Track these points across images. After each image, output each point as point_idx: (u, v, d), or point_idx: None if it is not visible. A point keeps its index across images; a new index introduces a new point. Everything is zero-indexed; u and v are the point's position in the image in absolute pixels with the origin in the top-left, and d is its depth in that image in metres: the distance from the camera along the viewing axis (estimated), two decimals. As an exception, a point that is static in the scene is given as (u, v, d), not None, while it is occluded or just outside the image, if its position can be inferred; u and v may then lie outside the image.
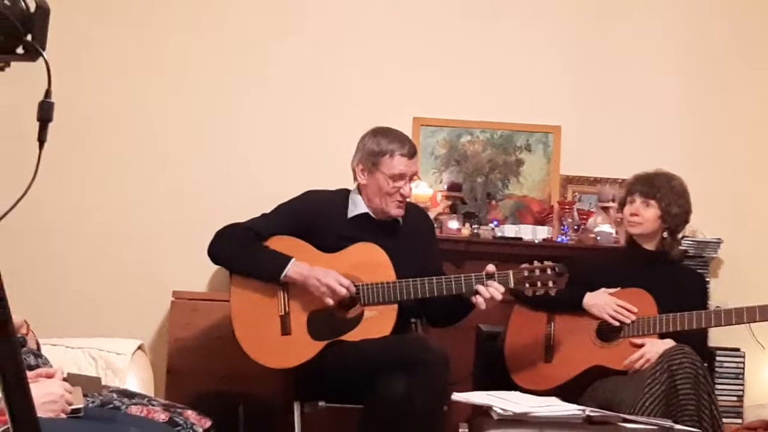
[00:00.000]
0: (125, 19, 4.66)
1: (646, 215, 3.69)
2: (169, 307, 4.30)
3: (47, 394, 2.30)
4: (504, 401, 3.10)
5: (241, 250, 3.48)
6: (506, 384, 3.59)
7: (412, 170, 3.55)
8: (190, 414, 2.70)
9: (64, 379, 2.60)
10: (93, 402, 2.61)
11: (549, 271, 3.40)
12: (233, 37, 4.72)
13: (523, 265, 3.44)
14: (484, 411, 3.13)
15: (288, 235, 3.52)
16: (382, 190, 3.53)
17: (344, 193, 3.66)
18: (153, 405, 2.70)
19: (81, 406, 2.38)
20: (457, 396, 3.20)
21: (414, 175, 3.58)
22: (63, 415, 2.32)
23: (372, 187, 3.56)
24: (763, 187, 4.82)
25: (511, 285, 3.41)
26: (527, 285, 3.41)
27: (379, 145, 3.54)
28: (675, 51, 4.86)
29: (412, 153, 3.55)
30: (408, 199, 3.63)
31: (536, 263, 3.42)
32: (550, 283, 3.39)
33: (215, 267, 3.98)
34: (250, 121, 4.70)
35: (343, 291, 3.38)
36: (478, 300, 3.39)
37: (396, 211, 3.56)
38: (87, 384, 2.67)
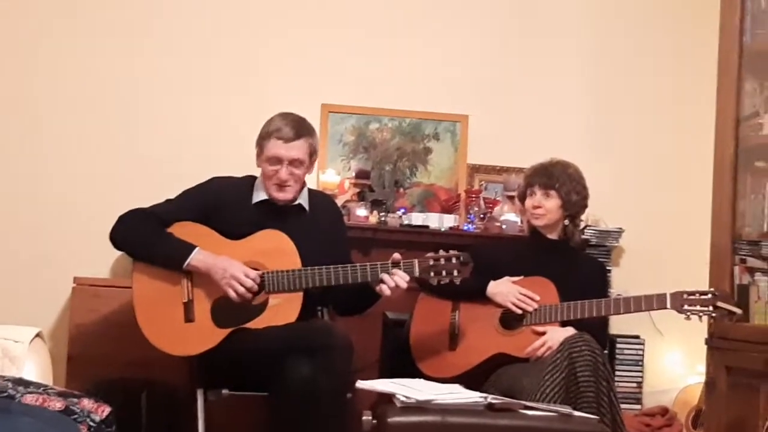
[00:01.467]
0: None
1: (548, 206, 3.75)
2: (70, 293, 4.21)
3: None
4: (407, 389, 3.11)
5: (144, 236, 3.43)
6: (412, 371, 3.61)
7: (289, 155, 3.47)
8: (87, 402, 2.66)
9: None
10: (-14, 391, 2.55)
11: (454, 260, 3.41)
12: (139, 17, 4.64)
13: (429, 254, 3.45)
14: (388, 398, 3.13)
15: (192, 221, 3.48)
16: (264, 174, 3.52)
17: (250, 180, 3.63)
18: (49, 393, 2.65)
19: (-27, 395, 2.32)
20: (361, 384, 3.19)
21: (294, 161, 3.49)
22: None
23: (262, 170, 3.54)
24: (664, 178, 4.94)
25: (416, 273, 3.42)
26: (432, 274, 3.42)
27: (266, 128, 3.53)
28: (579, 42, 4.95)
29: (290, 137, 3.48)
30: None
31: (441, 252, 3.44)
32: (455, 272, 3.41)
33: (118, 252, 3.89)
34: (156, 105, 4.63)
35: (249, 282, 3.36)
36: (383, 288, 3.39)
37: (277, 195, 3.52)
38: (-21, 373, 2.60)
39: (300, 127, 3.53)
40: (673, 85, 4.95)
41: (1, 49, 4.54)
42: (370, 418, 3.04)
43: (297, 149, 3.50)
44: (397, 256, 3.44)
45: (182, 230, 3.45)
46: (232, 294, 3.35)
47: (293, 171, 3.50)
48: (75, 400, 2.64)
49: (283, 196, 3.52)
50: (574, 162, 3.84)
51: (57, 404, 2.59)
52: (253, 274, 3.37)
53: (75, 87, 4.58)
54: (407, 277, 3.40)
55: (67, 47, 4.59)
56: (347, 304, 3.64)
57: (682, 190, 4.87)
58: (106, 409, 2.68)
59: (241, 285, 3.35)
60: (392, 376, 3.41)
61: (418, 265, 3.42)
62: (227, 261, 3.37)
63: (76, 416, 2.57)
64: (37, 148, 4.54)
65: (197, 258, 3.37)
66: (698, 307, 3.47)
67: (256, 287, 3.37)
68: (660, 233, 4.87)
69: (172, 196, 3.57)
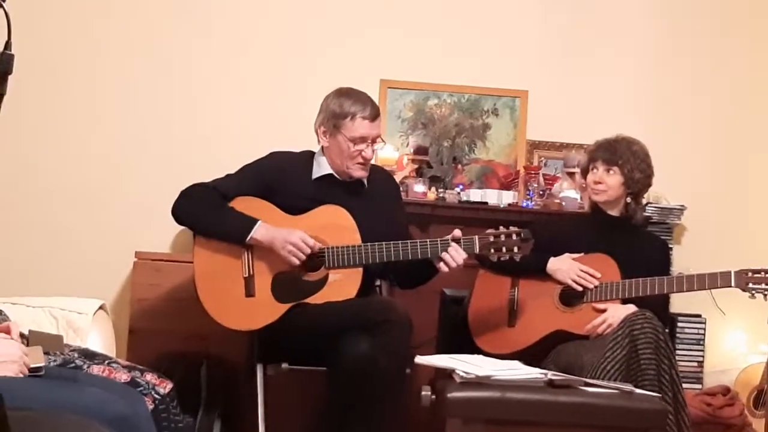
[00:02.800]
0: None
1: (609, 182, 3.70)
2: (131, 268, 4.27)
3: (5, 354, 2.26)
4: (467, 364, 3.11)
5: (206, 211, 3.45)
6: (470, 348, 3.61)
7: (373, 133, 3.52)
8: (151, 376, 2.68)
9: (26, 337, 2.57)
10: (54, 361, 2.58)
11: (514, 237, 3.40)
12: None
13: (489, 231, 3.43)
14: (447, 374, 3.13)
15: (252, 196, 3.49)
16: (343, 153, 3.51)
17: (309, 155, 3.63)
18: (114, 366, 2.68)
19: (42, 365, 2.35)
20: (420, 359, 3.20)
21: (377, 138, 3.54)
22: (22, 375, 2.29)
23: (334, 149, 3.53)
24: (727, 154, 4.86)
25: (477, 250, 3.41)
26: (492, 250, 3.41)
27: (342, 107, 3.51)
28: (641, 17, 4.87)
29: (374, 116, 3.51)
30: (373, 162, 3.61)
31: (501, 228, 3.42)
32: (515, 249, 3.39)
33: (179, 228, 3.95)
34: (217, 82, 4.65)
35: (307, 249, 3.37)
36: (441, 266, 3.40)
37: (359, 173, 3.54)
38: (48, 342, 2.64)
39: (376, 106, 3.57)
40: (736, 56, 4.86)
41: (78, 29, 4.59)
42: (429, 393, 3.04)
43: (378, 127, 3.55)
44: (457, 232, 3.43)
45: (243, 205, 3.47)
46: (292, 260, 3.36)
47: (375, 149, 3.54)
48: (139, 373, 2.67)
49: (364, 173, 3.55)
50: (635, 136, 3.79)
51: (123, 376, 2.62)
52: (311, 241, 3.38)
53: (132, 70, 4.61)
54: (465, 255, 3.39)
55: (147, 25, 4.63)
56: (406, 278, 3.65)
57: (745, 167, 4.79)
58: (170, 385, 2.71)
59: (301, 251, 3.36)
60: (450, 352, 3.42)
61: (478, 241, 3.41)
62: (287, 231, 3.39)
63: (141, 388, 2.59)
64: (101, 123, 4.59)
65: (260, 232, 3.39)
66: (763, 286, 3.42)
67: (310, 251, 3.37)
68: (723, 211, 4.80)
69: (233, 172, 3.58)
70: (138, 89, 4.61)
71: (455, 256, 3.38)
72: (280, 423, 3.77)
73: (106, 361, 2.70)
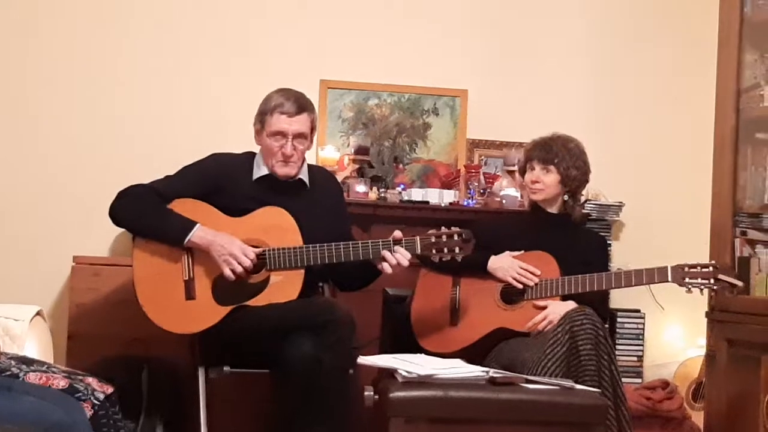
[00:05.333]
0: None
1: (546, 181, 3.74)
2: (69, 272, 4.21)
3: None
4: (409, 364, 3.12)
5: (144, 212, 3.41)
6: (413, 347, 3.61)
7: (292, 129, 3.47)
8: (92, 380, 2.65)
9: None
10: (-12, 369, 2.54)
11: (455, 237, 3.41)
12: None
13: (430, 231, 3.44)
14: (389, 374, 3.14)
15: (192, 197, 3.47)
16: (267, 150, 3.51)
17: (250, 156, 3.61)
18: (53, 372, 2.64)
19: (-25, 373, 2.31)
20: (363, 359, 3.21)
21: (298, 135, 3.50)
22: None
23: (263, 147, 3.54)
24: (664, 151, 4.93)
25: (418, 251, 3.42)
26: (434, 251, 3.42)
27: (266, 104, 3.51)
28: (580, 16, 4.92)
29: (293, 111, 3.48)
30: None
31: (443, 229, 3.43)
32: (457, 249, 3.41)
33: (117, 231, 3.90)
34: (155, 82, 4.60)
35: (246, 262, 3.35)
36: (384, 266, 3.40)
37: (282, 170, 3.51)
38: (-18, 351, 2.59)
39: (302, 102, 3.52)
40: (673, 57, 4.93)
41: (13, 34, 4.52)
42: (372, 393, 3.04)
43: (300, 123, 3.50)
44: (398, 233, 3.43)
45: (182, 207, 3.44)
46: (227, 272, 3.34)
47: (296, 146, 3.50)
48: (79, 378, 2.63)
49: (287, 171, 3.52)
50: (574, 136, 3.83)
51: (61, 382, 2.59)
52: (252, 253, 3.36)
53: (67, 71, 4.55)
54: (409, 255, 3.40)
55: (56, 33, 4.56)
56: (348, 281, 3.64)
57: (682, 163, 4.86)
58: (110, 388, 2.68)
59: (239, 264, 3.34)
60: (393, 352, 3.43)
61: (419, 242, 3.42)
62: (227, 238, 3.36)
63: (80, 394, 2.56)
64: (34, 128, 4.52)
65: (198, 234, 3.36)
66: (699, 280, 3.46)
67: (251, 266, 3.36)
68: (660, 207, 4.87)
69: (172, 173, 3.55)
70: (74, 91, 4.55)
71: (399, 258, 3.38)
72: (223, 426, 3.75)
73: (44, 367, 2.66)
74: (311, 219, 3.47)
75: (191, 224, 3.37)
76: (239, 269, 3.34)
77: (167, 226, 3.39)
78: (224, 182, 3.51)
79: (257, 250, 3.38)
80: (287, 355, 3.13)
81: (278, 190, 3.53)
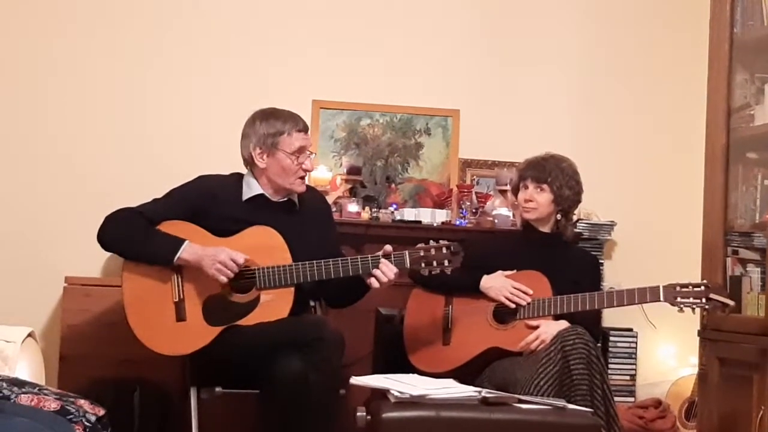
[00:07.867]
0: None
1: (539, 200, 3.75)
2: (61, 293, 4.20)
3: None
4: (401, 384, 3.11)
5: (132, 234, 3.41)
6: (405, 367, 3.61)
7: (310, 143, 3.59)
8: (83, 402, 2.64)
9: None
10: (-20, 391, 2.53)
11: (444, 250, 3.42)
12: (129, 19, 4.62)
13: (419, 245, 3.45)
14: (382, 394, 3.13)
15: (180, 220, 3.46)
16: (285, 169, 3.52)
17: (237, 177, 3.62)
18: (45, 394, 2.63)
19: (-34, 395, 2.31)
20: (354, 380, 3.20)
21: (310, 148, 3.59)
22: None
23: (274, 168, 3.53)
24: (656, 171, 4.94)
25: (407, 265, 3.43)
26: (423, 264, 3.42)
27: (274, 127, 3.52)
28: (570, 35, 4.94)
29: (306, 127, 3.58)
30: (306, 181, 3.62)
31: (432, 242, 3.44)
32: (446, 262, 3.41)
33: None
34: (145, 106, 4.61)
35: (235, 267, 3.35)
36: (372, 281, 3.41)
37: (301, 188, 3.56)
38: (-27, 373, 2.58)
39: (302, 117, 3.61)
40: (664, 77, 4.95)
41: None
42: (365, 413, 3.03)
43: (310, 138, 3.62)
44: (388, 248, 3.45)
45: (171, 228, 3.44)
46: (222, 279, 3.34)
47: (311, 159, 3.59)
48: (71, 400, 2.62)
49: (304, 188, 3.59)
50: (566, 155, 3.84)
51: (52, 404, 2.58)
52: (241, 258, 3.36)
53: (57, 96, 4.56)
54: (395, 269, 3.41)
55: (73, 51, 4.58)
56: (338, 297, 3.65)
57: (673, 183, 4.87)
58: (102, 410, 2.67)
59: (229, 270, 3.35)
60: (385, 371, 3.42)
61: (408, 256, 3.42)
62: (215, 249, 3.37)
63: (71, 416, 2.55)
64: (27, 149, 4.52)
65: (188, 251, 3.36)
66: (691, 300, 3.47)
67: (237, 269, 3.36)
68: (652, 226, 4.88)
69: (159, 196, 3.55)
70: (65, 111, 4.55)
71: (386, 271, 3.39)
72: (214, 447, 3.73)
73: (36, 389, 2.65)
74: (300, 238, 3.48)
75: (180, 241, 3.38)
76: (231, 274, 3.35)
77: (156, 246, 3.39)
78: (212, 204, 3.51)
79: (247, 265, 3.38)
80: (274, 373, 3.14)
81: (268, 210, 3.53)
